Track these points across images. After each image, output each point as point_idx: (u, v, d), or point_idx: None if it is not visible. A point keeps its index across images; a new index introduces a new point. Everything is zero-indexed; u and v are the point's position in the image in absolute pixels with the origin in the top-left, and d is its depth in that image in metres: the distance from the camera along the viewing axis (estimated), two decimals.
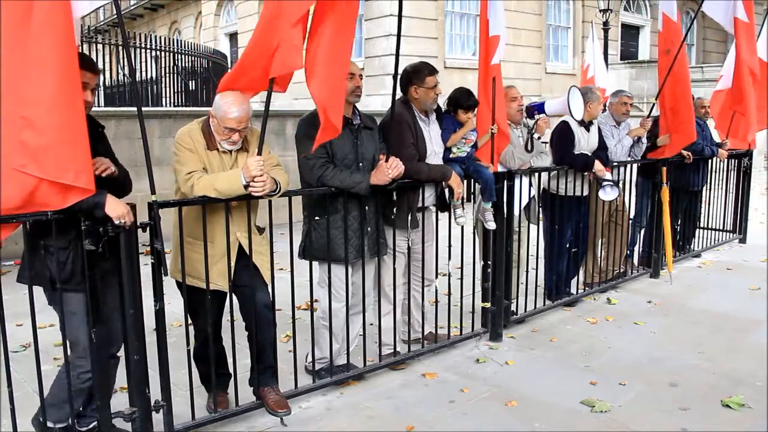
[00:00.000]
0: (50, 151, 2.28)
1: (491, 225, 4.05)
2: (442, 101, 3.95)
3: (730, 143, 6.78)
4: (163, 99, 10.94)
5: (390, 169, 3.32)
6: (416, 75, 3.72)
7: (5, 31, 2.21)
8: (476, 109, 3.91)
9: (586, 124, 4.85)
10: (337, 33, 2.89)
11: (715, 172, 6.84)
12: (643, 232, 5.97)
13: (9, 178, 2.27)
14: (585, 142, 4.84)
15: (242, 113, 2.86)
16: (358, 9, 3.05)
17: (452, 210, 3.89)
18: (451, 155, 3.87)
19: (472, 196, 4.20)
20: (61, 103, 2.28)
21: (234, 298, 3.06)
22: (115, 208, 2.47)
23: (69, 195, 2.36)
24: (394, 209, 3.75)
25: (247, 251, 3.00)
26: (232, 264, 2.97)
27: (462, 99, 3.84)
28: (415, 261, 3.86)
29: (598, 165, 4.75)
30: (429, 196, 3.81)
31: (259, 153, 2.84)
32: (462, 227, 3.96)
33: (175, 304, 3.38)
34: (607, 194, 4.76)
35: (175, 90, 10.99)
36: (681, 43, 5.29)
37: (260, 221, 3.21)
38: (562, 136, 4.79)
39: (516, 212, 4.31)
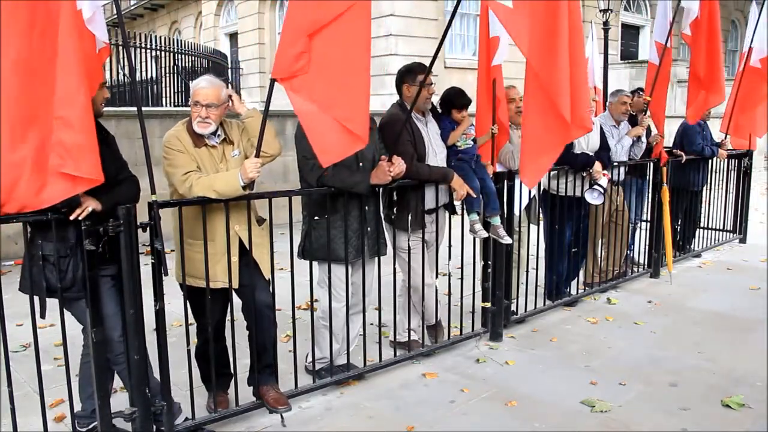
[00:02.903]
0: (85, 149, 2.34)
1: (507, 240, 4.05)
2: (436, 101, 3.96)
3: (731, 142, 6.78)
4: (163, 99, 10.94)
5: (392, 167, 3.32)
6: (408, 74, 3.74)
7: (26, 33, 2.23)
8: (471, 108, 3.92)
9: None
10: (350, 40, 2.88)
11: (715, 172, 6.84)
12: (631, 230, 5.89)
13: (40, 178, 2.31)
14: (585, 142, 4.84)
15: (209, 87, 2.90)
16: (370, 15, 3.03)
17: (471, 225, 3.91)
18: (458, 147, 3.88)
19: None
20: (88, 102, 2.35)
21: (235, 297, 3.07)
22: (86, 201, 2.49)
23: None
24: (395, 209, 3.76)
25: (247, 245, 3.00)
26: (235, 260, 2.98)
27: (455, 98, 3.87)
28: (430, 258, 3.89)
29: (597, 166, 4.75)
30: (432, 199, 3.80)
31: (257, 155, 2.84)
32: (462, 227, 3.96)
33: (175, 304, 3.38)
34: (594, 198, 4.74)
35: (175, 90, 10.99)
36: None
37: (260, 213, 3.21)
38: None
39: (516, 212, 4.32)
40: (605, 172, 4.84)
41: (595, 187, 4.72)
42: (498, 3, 3.66)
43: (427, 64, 3.85)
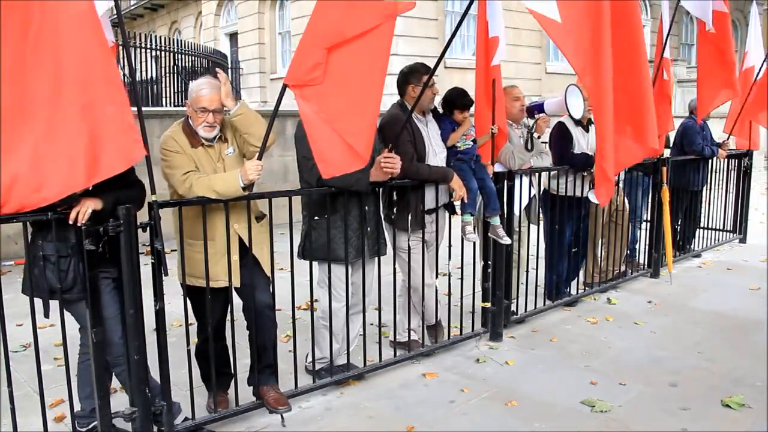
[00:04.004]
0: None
1: (506, 240, 4.05)
2: (437, 102, 3.97)
3: (735, 142, 6.78)
4: (163, 99, 10.95)
5: (386, 159, 3.31)
6: (413, 75, 3.74)
7: (22, 33, 2.25)
8: (472, 108, 3.92)
9: (584, 124, 4.85)
10: (369, 60, 2.87)
11: (715, 172, 6.84)
12: (632, 227, 5.83)
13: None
14: (584, 142, 4.84)
15: (213, 92, 2.89)
16: (392, 36, 2.98)
17: (462, 227, 3.91)
18: (458, 147, 3.88)
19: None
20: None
21: (236, 297, 3.07)
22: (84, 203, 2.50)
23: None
24: (395, 209, 3.76)
25: (247, 243, 3.00)
26: (235, 258, 2.98)
27: (456, 99, 3.87)
28: (430, 258, 3.89)
29: None
30: (431, 199, 3.80)
31: (259, 158, 2.84)
32: (462, 227, 3.97)
33: (175, 304, 3.38)
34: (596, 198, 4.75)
35: (175, 90, 10.99)
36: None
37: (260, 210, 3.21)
38: (560, 137, 4.79)
39: (516, 212, 4.32)
40: None
41: None
42: (547, 17, 3.46)
43: (428, 64, 3.86)
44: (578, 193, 4.85)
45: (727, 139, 6.72)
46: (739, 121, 6.59)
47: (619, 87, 3.49)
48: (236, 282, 3.01)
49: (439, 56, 3.44)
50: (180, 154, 2.89)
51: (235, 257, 2.99)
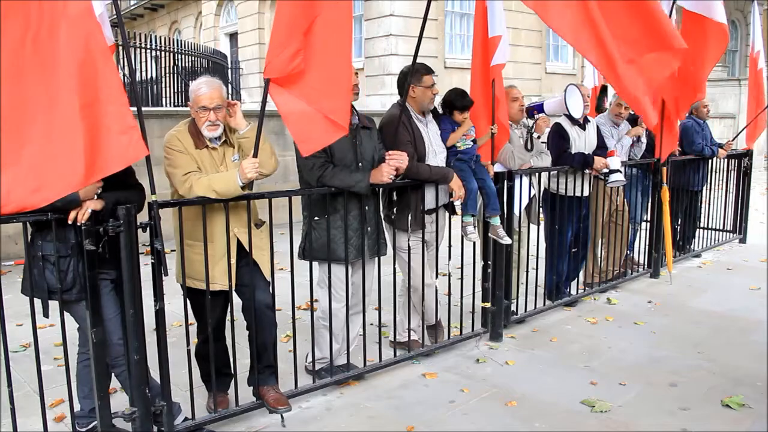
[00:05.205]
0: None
1: (506, 240, 4.06)
2: (437, 103, 3.97)
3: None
4: (163, 99, 10.94)
5: (391, 158, 3.31)
6: (413, 74, 3.73)
7: (21, 35, 2.25)
8: (471, 109, 3.93)
9: (581, 123, 4.85)
10: (333, 33, 2.86)
11: (715, 172, 6.84)
12: (632, 230, 5.82)
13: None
14: (582, 141, 4.84)
15: (211, 90, 2.89)
16: (352, 6, 3.03)
17: (463, 227, 3.91)
18: (458, 148, 3.89)
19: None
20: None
21: (235, 297, 3.07)
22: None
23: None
24: (395, 209, 3.76)
25: (247, 248, 3.01)
26: (233, 262, 2.98)
27: (456, 100, 3.87)
28: (430, 258, 3.89)
29: (598, 162, 4.74)
30: (431, 199, 3.80)
31: (255, 155, 2.84)
32: (463, 227, 3.97)
33: (175, 304, 3.38)
34: (618, 182, 4.81)
35: (175, 90, 10.98)
36: None
37: (260, 217, 3.21)
38: (557, 137, 4.80)
39: (516, 212, 4.32)
40: (612, 149, 4.89)
41: (612, 175, 4.76)
42: (538, 1, 3.50)
43: (428, 64, 3.86)
44: (578, 193, 4.85)
45: (733, 139, 6.72)
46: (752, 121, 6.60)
47: (623, 21, 3.48)
48: (235, 285, 3.01)
49: (413, 56, 3.41)
50: (183, 154, 2.89)
51: (233, 260, 2.99)
